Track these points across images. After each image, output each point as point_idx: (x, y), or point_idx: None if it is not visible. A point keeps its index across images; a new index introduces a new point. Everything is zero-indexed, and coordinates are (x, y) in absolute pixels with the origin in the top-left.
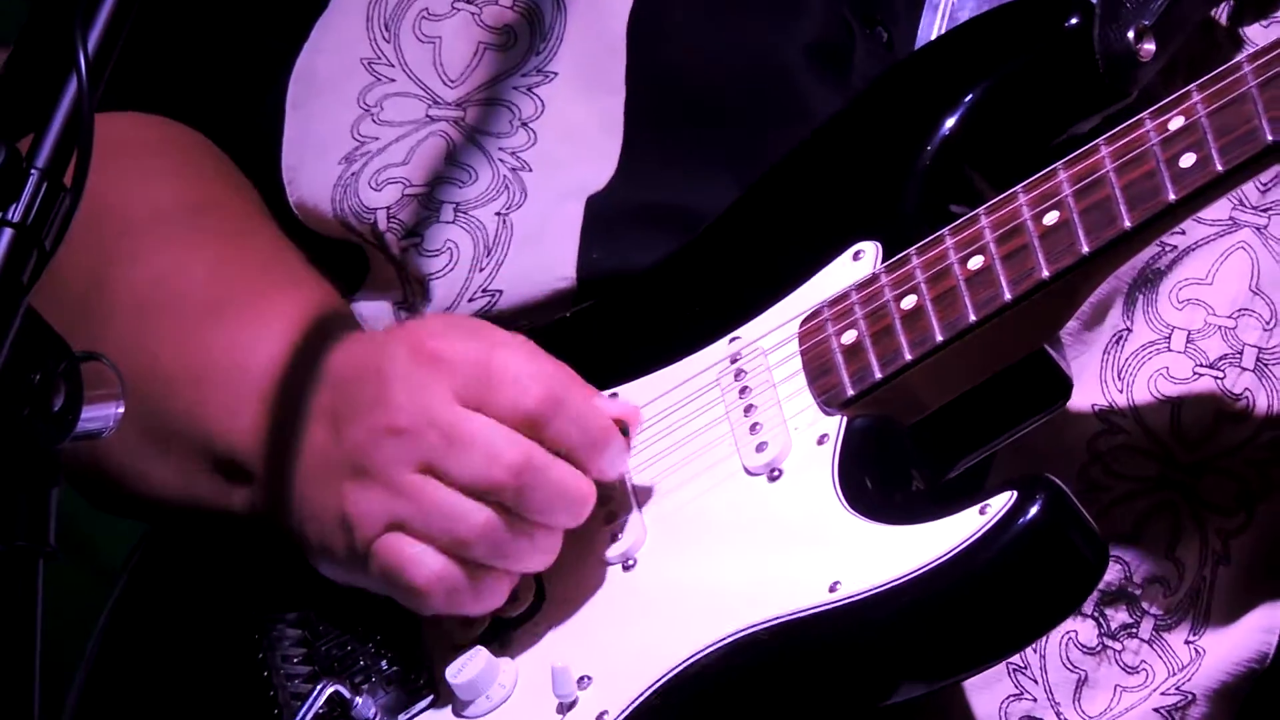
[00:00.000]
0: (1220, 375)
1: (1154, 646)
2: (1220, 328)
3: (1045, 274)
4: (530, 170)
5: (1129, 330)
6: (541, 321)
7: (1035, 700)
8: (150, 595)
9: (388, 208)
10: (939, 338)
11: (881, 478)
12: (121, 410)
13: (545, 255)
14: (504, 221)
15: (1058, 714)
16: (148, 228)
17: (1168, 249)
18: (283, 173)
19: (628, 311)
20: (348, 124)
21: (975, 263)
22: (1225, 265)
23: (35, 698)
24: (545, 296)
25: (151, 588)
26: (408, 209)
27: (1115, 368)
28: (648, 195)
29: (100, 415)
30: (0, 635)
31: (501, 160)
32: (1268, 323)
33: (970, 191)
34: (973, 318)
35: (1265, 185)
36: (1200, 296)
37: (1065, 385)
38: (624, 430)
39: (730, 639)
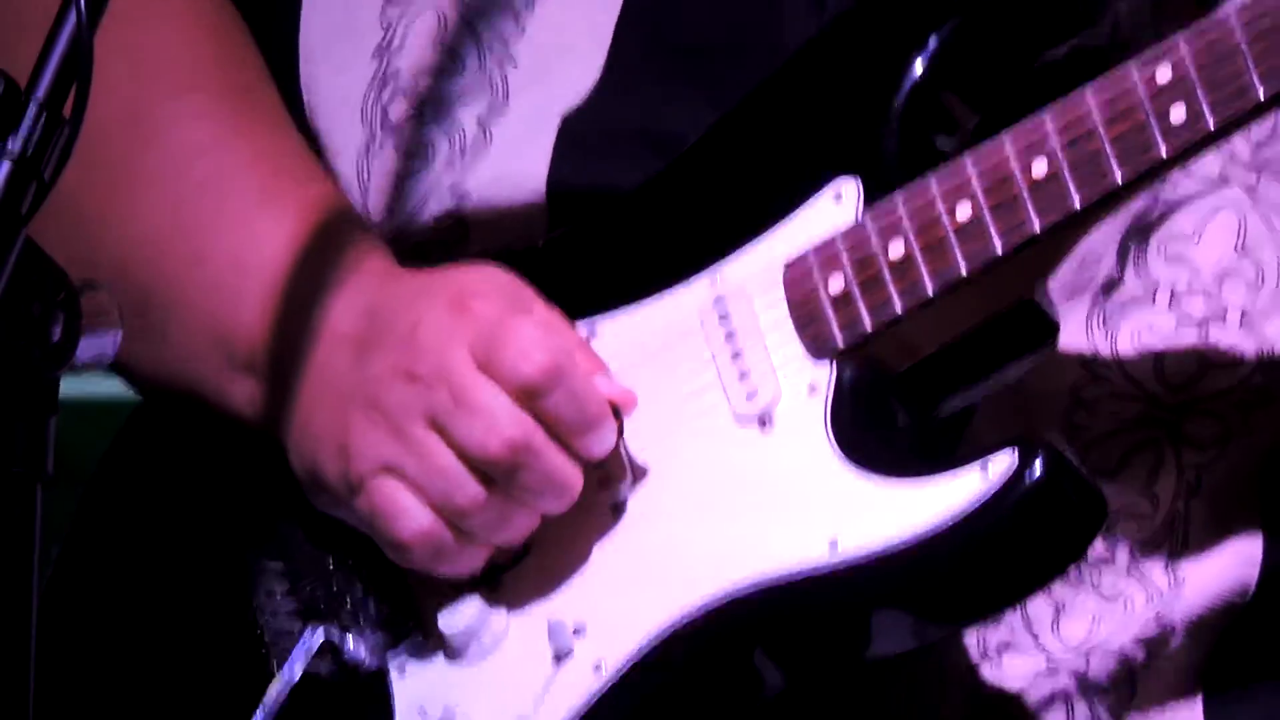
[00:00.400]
0: (1204, 332)
1: (1131, 576)
2: (1204, 291)
3: (1036, 228)
4: (516, 68)
5: (1119, 280)
6: (511, 237)
7: (1013, 629)
8: (126, 523)
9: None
10: (930, 291)
11: (874, 426)
12: (120, 339)
13: (516, 164)
14: (484, 131)
15: (1036, 642)
16: (179, 96)
17: (1158, 202)
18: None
19: (604, 239)
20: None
21: (964, 213)
22: (1213, 224)
23: (32, 626)
24: (512, 206)
25: (127, 515)
26: (394, 102)
27: (1102, 317)
28: (624, 115)
29: (99, 344)
30: None
31: (490, 50)
32: (1253, 281)
33: (949, 120)
34: (964, 271)
35: (1258, 143)
36: (1187, 254)
37: (1052, 328)
38: (616, 413)
39: (729, 593)
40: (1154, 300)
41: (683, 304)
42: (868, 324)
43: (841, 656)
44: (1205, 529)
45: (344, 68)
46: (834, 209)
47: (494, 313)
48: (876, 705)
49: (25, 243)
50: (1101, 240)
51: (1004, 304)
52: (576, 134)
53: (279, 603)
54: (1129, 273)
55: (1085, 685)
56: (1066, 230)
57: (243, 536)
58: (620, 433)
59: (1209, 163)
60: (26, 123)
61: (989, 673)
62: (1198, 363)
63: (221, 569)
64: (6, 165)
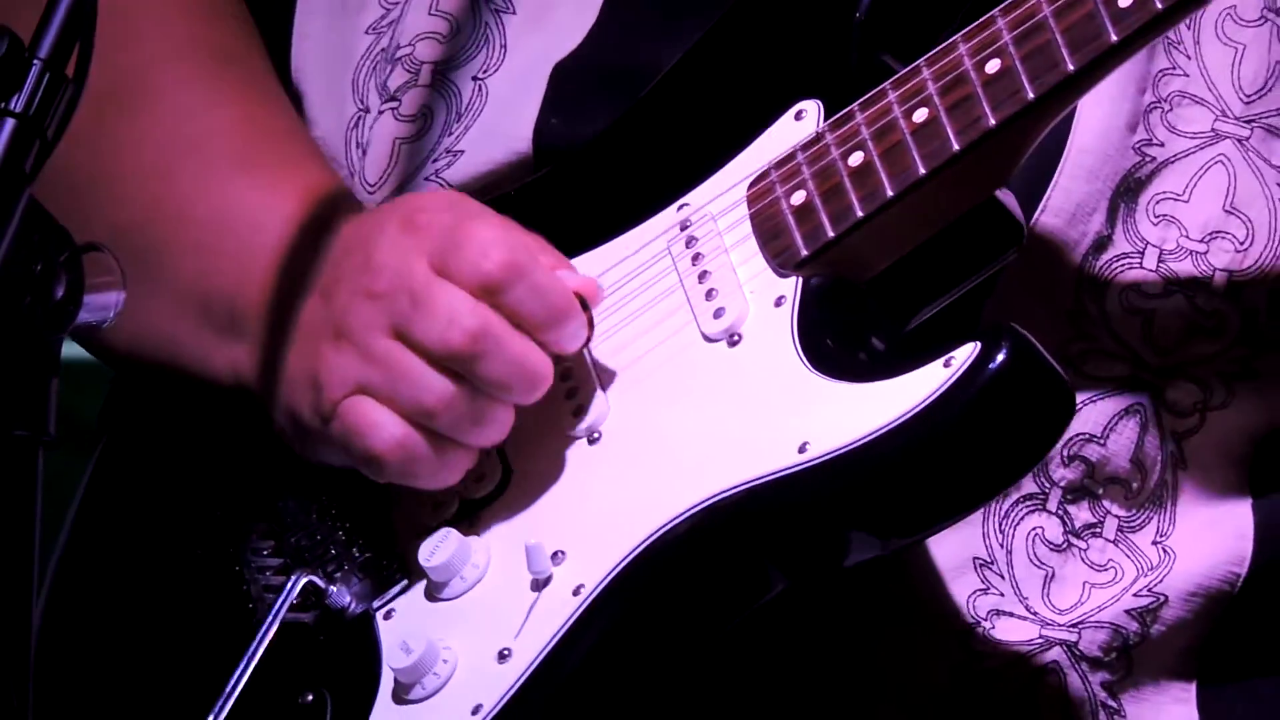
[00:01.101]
0: (1191, 295)
1: (1120, 546)
2: (1191, 252)
3: (991, 122)
4: (514, 14)
5: (1109, 238)
6: (498, 191)
7: (1003, 595)
8: (116, 487)
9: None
10: (889, 192)
11: (842, 336)
12: (123, 300)
13: (507, 118)
14: (480, 88)
15: (1027, 607)
16: (172, 61)
17: (1148, 160)
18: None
19: (572, 184)
20: None
21: (920, 115)
22: (1203, 181)
23: (33, 588)
24: (501, 161)
25: (117, 479)
26: (393, 71)
27: (1091, 274)
28: (614, 61)
29: (101, 305)
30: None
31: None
32: (1241, 243)
33: (907, 43)
34: (922, 170)
35: (1249, 96)
36: (1175, 214)
37: (1017, 231)
38: (584, 305)
39: (702, 505)
40: (1142, 261)
41: (650, 234)
42: (829, 230)
43: (818, 562)
44: (1194, 501)
45: (337, 42)
46: (795, 126)
47: (447, 221)
48: (865, 669)
49: (28, 202)
50: (1093, 195)
51: (967, 209)
52: (567, 82)
53: (265, 557)
54: (1118, 231)
55: (1077, 656)
56: (1024, 123)
57: (228, 497)
58: (590, 326)
59: (1200, 118)
60: (30, 82)
61: (981, 638)
62: (1185, 328)
63: (209, 530)
64: (10, 124)
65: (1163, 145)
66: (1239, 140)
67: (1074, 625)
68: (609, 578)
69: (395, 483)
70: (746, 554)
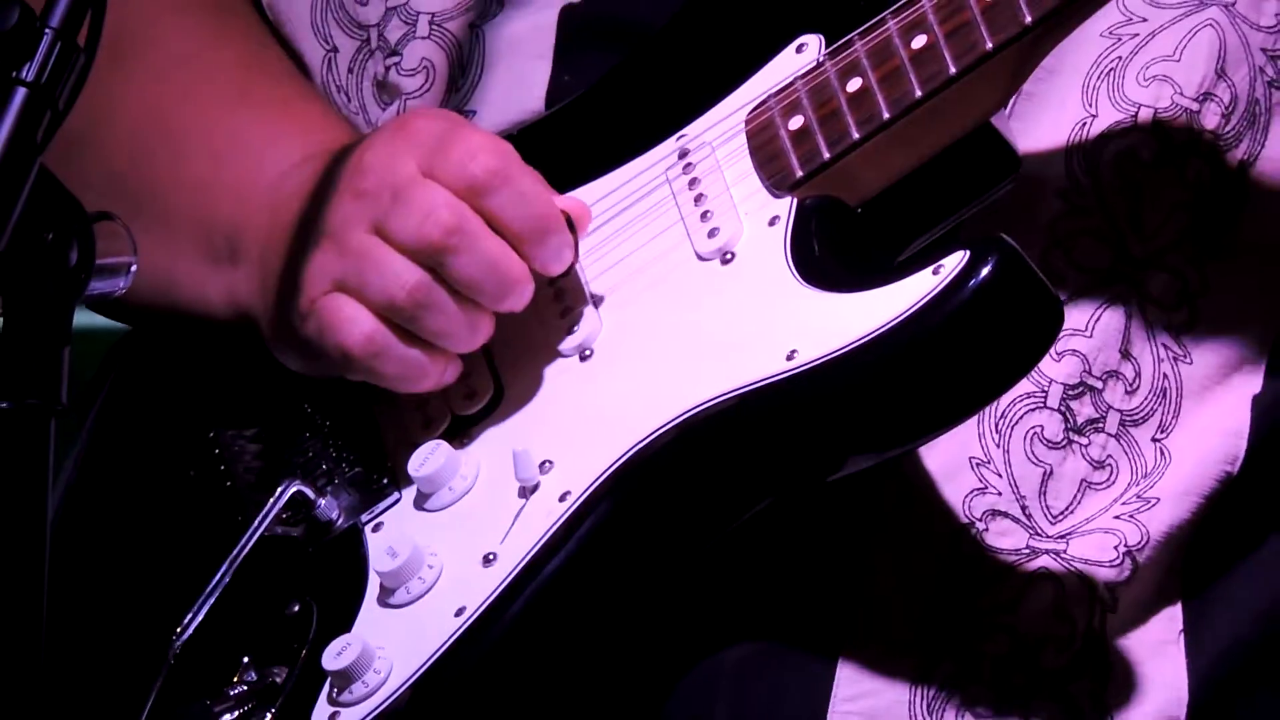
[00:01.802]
0: (1180, 164)
1: (1121, 442)
2: (1186, 109)
3: (989, 46)
4: None
5: (1094, 116)
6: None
7: (1000, 494)
8: (117, 417)
9: (377, 24)
10: (885, 115)
11: (835, 253)
12: (134, 269)
13: (518, 76)
14: (476, 35)
15: (1023, 509)
16: (169, 13)
17: (1125, 38)
18: None
19: (574, 123)
20: None
21: (919, 41)
22: (1193, 42)
23: (45, 555)
24: (516, 121)
25: (117, 416)
26: (390, 23)
27: (1081, 151)
28: (623, 13)
29: (112, 273)
30: (12, 493)
31: None
32: (1227, 107)
33: None
34: (919, 93)
35: None
36: (1168, 73)
37: (1013, 159)
38: (571, 228)
39: (689, 413)
40: (1135, 121)
41: (648, 163)
42: (825, 152)
43: (809, 472)
44: (1197, 396)
45: None
46: (795, 58)
47: (438, 128)
48: (859, 568)
49: (39, 171)
50: (1064, 86)
51: (961, 134)
52: (577, 31)
53: (257, 473)
54: (1103, 104)
55: (1068, 563)
56: (1021, 49)
57: (222, 418)
58: (576, 249)
59: None
60: (41, 51)
61: (974, 540)
62: (1170, 206)
63: (201, 450)
64: (21, 93)
65: (1145, 20)
66: (1225, 5)
67: (1063, 536)
68: (595, 484)
69: (369, 381)
70: (734, 462)
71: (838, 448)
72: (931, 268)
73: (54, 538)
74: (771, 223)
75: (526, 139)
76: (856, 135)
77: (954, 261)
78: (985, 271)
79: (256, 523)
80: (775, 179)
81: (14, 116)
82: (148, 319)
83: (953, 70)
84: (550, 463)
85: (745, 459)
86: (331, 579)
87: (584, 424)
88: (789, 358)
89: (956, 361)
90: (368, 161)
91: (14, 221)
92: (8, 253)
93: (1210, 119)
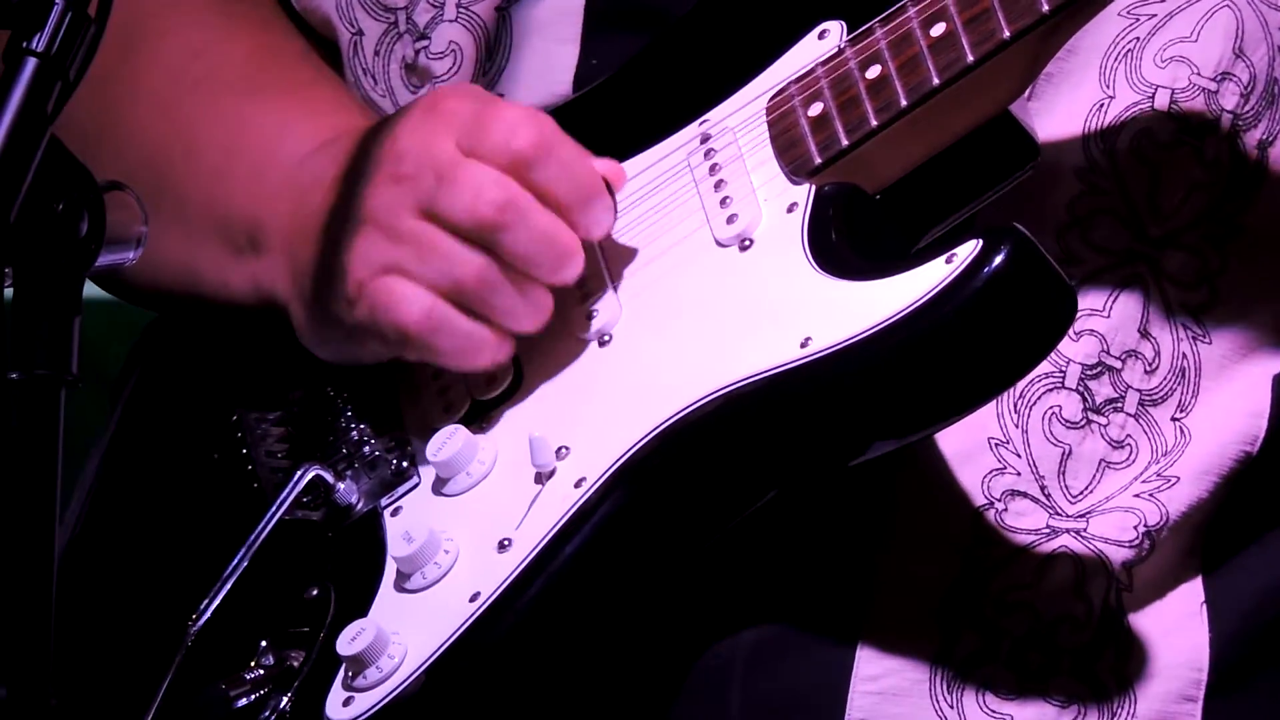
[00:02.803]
0: (1197, 145)
1: (1140, 422)
2: (1204, 90)
3: (1006, 34)
4: None
5: (1111, 98)
6: None
7: (1019, 474)
8: (146, 401)
9: (404, 8)
10: (903, 102)
11: (851, 240)
12: (145, 238)
13: (545, 59)
14: (504, 18)
15: (1042, 488)
16: (184, 3)
17: (1143, 19)
18: None
19: (599, 107)
20: None
21: (938, 29)
22: (1210, 23)
23: (55, 526)
24: (543, 104)
25: (148, 393)
26: (418, 6)
27: (1099, 132)
28: None
29: (123, 244)
30: (22, 464)
31: None
32: (1246, 86)
33: None
34: (936, 81)
35: None
36: (1185, 54)
37: (1032, 147)
38: (610, 190)
39: (703, 400)
40: (1153, 104)
41: (670, 148)
42: (843, 139)
43: (824, 460)
44: (1217, 375)
45: None
46: (817, 45)
47: (471, 106)
48: (876, 549)
49: (50, 142)
50: (1080, 67)
51: (979, 122)
52: (603, 13)
53: (278, 458)
54: (1120, 85)
55: (1088, 542)
56: (1038, 38)
57: (246, 401)
58: (615, 211)
59: None
60: (52, 21)
61: (994, 520)
62: (1187, 185)
63: (225, 433)
64: (32, 64)
65: (1162, 1)
66: None
67: (1083, 515)
68: (610, 470)
69: (424, 359)
70: (747, 449)
71: (850, 434)
72: (944, 256)
73: (83, 518)
74: (790, 209)
75: (558, 119)
76: (875, 123)
77: (967, 250)
78: (998, 260)
79: (274, 507)
80: (794, 166)
81: (24, 87)
82: (175, 306)
83: (970, 59)
84: (567, 448)
85: (759, 445)
86: (350, 563)
87: (601, 410)
88: (803, 345)
89: (969, 350)
90: (403, 145)
91: (24, 192)
92: (18, 223)
93: (1228, 99)
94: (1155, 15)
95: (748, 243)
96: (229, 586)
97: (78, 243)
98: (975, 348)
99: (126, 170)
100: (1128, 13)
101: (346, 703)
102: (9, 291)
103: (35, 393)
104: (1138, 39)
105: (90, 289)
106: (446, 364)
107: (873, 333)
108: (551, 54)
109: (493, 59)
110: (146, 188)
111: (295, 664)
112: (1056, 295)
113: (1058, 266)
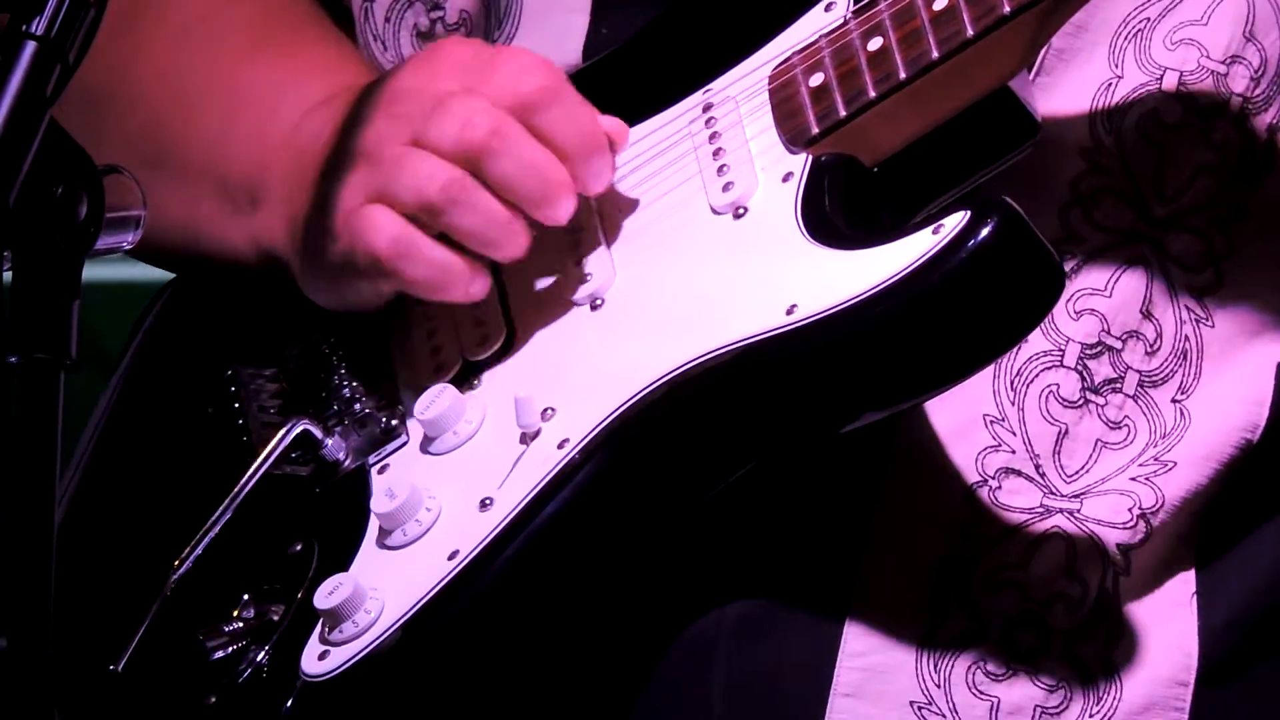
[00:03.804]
0: (1205, 127)
1: (1139, 403)
2: (1213, 72)
3: (1007, 9)
4: None
5: (1119, 77)
6: None
7: (1014, 452)
8: (148, 356)
9: None
10: (902, 74)
11: (845, 211)
12: (144, 222)
13: (555, 29)
14: None
15: (1037, 467)
16: None
17: (1154, 3)
18: None
19: (606, 75)
20: None
21: (940, 3)
22: (1221, 6)
23: (54, 510)
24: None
25: (150, 349)
26: None
27: (1105, 111)
28: None
29: (122, 227)
30: (21, 448)
31: None
32: (1256, 70)
33: None
34: (935, 54)
35: None
36: (1195, 37)
37: (1031, 126)
38: (611, 147)
39: (689, 364)
40: (1160, 85)
41: (673, 115)
42: (841, 110)
43: (810, 427)
44: (1219, 359)
45: None
46: (823, 16)
47: (474, 50)
48: (866, 523)
49: (49, 125)
50: (1086, 47)
51: (978, 96)
52: None
53: (271, 412)
54: (1129, 66)
55: (1081, 523)
56: (1038, 14)
57: (241, 355)
58: (614, 169)
59: None
60: (51, 5)
61: (987, 497)
62: (1193, 168)
63: (221, 385)
64: (31, 47)
65: None
66: None
67: (1077, 495)
68: (593, 432)
69: (397, 288)
70: (730, 416)
71: (832, 403)
72: (932, 227)
73: (83, 466)
74: (785, 179)
75: None
76: (873, 94)
77: (954, 221)
78: (984, 232)
79: (260, 460)
80: (792, 135)
81: (24, 70)
82: (178, 265)
83: (970, 33)
84: (552, 410)
85: (742, 412)
86: (335, 519)
87: (589, 373)
88: (788, 312)
89: (952, 322)
90: (403, 85)
91: (23, 175)
92: (17, 206)
93: (1238, 82)
94: None
95: (742, 210)
96: (212, 536)
97: (76, 226)
98: (958, 320)
99: (130, 134)
100: None
101: (322, 656)
102: (8, 275)
103: (34, 376)
104: (1148, 19)
105: (89, 272)
106: (419, 294)
107: (856, 302)
108: (561, 23)
109: (501, 27)
110: (150, 149)
111: (275, 618)
112: (1043, 270)
113: (1046, 242)
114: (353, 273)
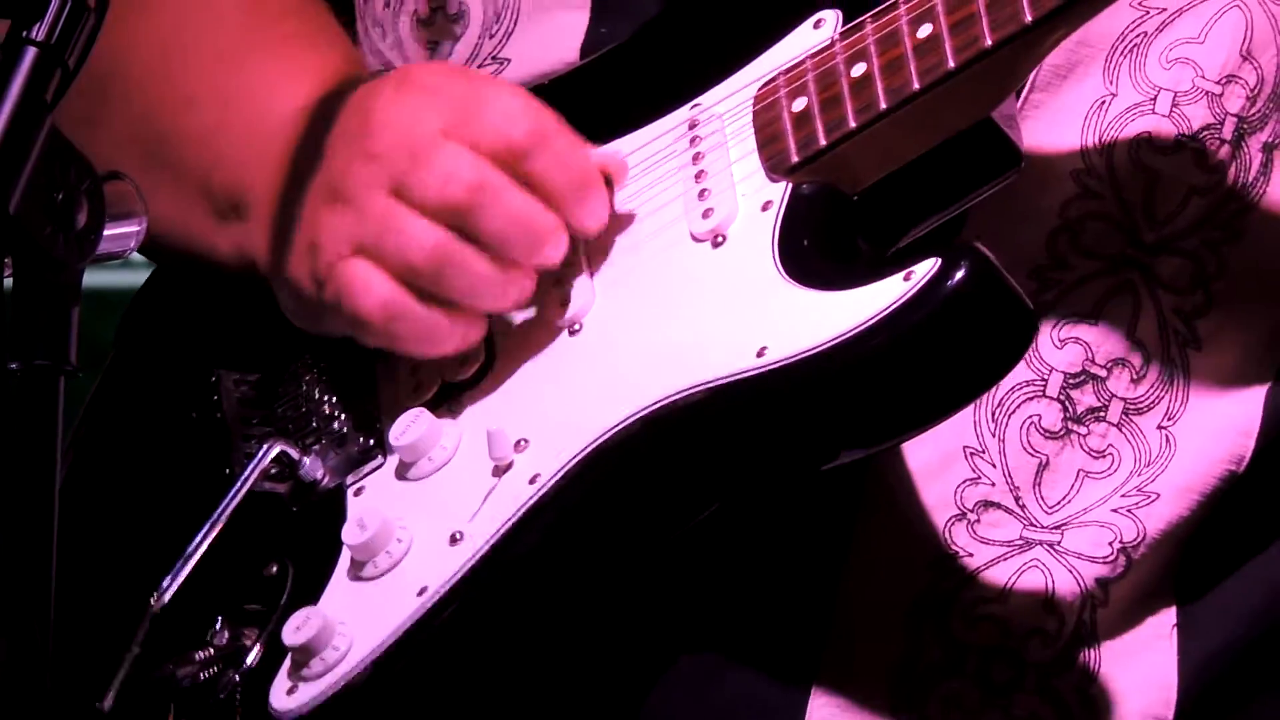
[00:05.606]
0: (1199, 150)
1: (1123, 431)
2: (1207, 93)
3: (988, 42)
4: None
5: (1114, 95)
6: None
7: (993, 485)
8: (131, 359)
9: None
10: (883, 105)
11: (823, 245)
12: (144, 229)
13: (555, 26)
14: None
15: (1017, 499)
16: None
17: (1153, 12)
18: None
19: (595, 82)
20: None
21: (924, 30)
22: (1219, 24)
23: (54, 517)
24: (549, 72)
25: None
26: None
27: (1097, 133)
28: None
29: (122, 234)
30: (21, 455)
31: None
32: (1253, 89)
33: None
34: (916, 85)
35: None
36: (1191, 56)
37: (1014, 155)
38: (608, 182)
39: (658, 404)
40: (1154, 108)
41: (660, 130)
42: (821, 139)
43: (780, 469)
44: (1206, 385)
45: None
46: (812, 34)
47: (459, 83)
48: (844, 556)
49: (50, 131)
50: (1081, 61)
51: (960, 129)
52: None
53: (252, 428)
54: (1123, 84)
55: (1061, 556)
56: (1020, 47)
57: (226, 361)
58: (612, 205)
59: None
60: (51, 11)
61: (965, 530)
62: (1186, 190)
63: (204, 390)
64: (31, 53)
65: None
66: None
67: (1058, 526)
68: (564, 469)
69: (386, 346)
70: (701, 457)
71: (806, 444)
72: (903, 273)
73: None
74: (764, 207)
75: (557, 90)
76: (854, 124)
77: (925, 269)
78: (955, 280)
79: (238, 485)
80: (773, 162)
81: (24, 76)
82: (172, 264)
83: (951, 65)
84: (526, 441)
85: (714, 452)
86: (310, 542)
87: (563, 404)
88: (759, 354)
89: (923, 369)
90: (377, 120)
91: (24, 181)
92: (18, 213)
93: (1233, 102)
94: (1165, 9)
95: (720, 239)
96: (191, 565)
97: (77, 233)
98: (927, 368)
99: (123, 128)
100: (1139, 4)
101: (290, 691)
102: (8, 282)
103: (34, 383)
104: (1145, 34)
105: (89, 279)
106: (409, 351)
107: (824, 349)
108: (560, 21)
109: (500, 21)
110: (143, 147)
111: (248, 642)
112: (1014, 317)
113: (1018, 288)
114: (336, 317)
